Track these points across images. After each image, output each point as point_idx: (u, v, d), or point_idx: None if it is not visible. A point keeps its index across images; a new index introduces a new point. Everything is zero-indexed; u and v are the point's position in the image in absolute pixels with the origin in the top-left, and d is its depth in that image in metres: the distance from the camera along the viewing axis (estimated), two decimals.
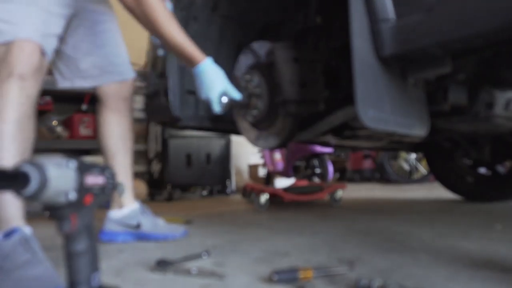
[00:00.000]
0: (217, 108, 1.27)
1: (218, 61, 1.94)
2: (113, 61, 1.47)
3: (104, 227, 1.51)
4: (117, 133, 1.52)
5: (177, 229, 1.56)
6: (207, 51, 1.91)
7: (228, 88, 1.29)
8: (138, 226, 1.49)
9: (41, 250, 1.00)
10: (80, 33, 1.38)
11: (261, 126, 1.46)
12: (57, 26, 1.24)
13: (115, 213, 1.51)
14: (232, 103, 1.30)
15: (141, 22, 1.20)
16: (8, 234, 1.00)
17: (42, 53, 1.16)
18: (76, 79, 1.45)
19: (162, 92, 1.79)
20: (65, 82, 1.45)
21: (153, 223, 1.53)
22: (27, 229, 1.05)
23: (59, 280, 0.93)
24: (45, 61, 1.19)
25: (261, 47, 1.42)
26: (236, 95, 1.30)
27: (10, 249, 0.97)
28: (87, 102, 3.37)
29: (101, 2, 1.44)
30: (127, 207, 1.52)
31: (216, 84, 1.26)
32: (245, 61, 1.48)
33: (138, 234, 1.50)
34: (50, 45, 1.21)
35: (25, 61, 1.11)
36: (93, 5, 1.40)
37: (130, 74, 1.54)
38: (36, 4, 1.16)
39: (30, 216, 2.50)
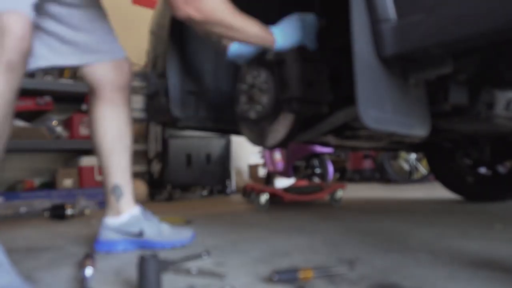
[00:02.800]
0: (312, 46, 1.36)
1: (218, 61, 1.96)
2: (100, 38, 1.31)
3: (100, 236, 1.34)
4: (112, 128, 1.36)
5: (184, 234, 1.40)
6: (207, 52, 1.92)
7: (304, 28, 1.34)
8: (140, 233, 1.33)
9: (6, 258, 0.91)
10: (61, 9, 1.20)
11: (263, 124, 1.46)
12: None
13: (112, 220, 1.34)
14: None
15: (216, 35, 1.25)
16: None
17: (31, 28, 0.96)
18: (53, 56, 1.23)
19: (162, 92, 1.79)
20: (39, 61, 1.19)
21: (158, 229, 1.36)
22: None
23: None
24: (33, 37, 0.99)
25: None
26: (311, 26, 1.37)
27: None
28: (87, 102, 3.37)
29: None
30: (127, 212, 1.35)
31: (302, 35, 1.33)
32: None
33: (141, 243, 1.34)
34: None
35: (16, 46, 0.92)
36: None
37: (120, 53, 1.37)
38: None
39: (30, 216, 2.49)
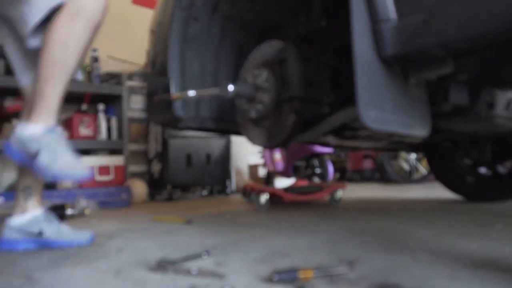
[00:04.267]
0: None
1: (218, 61, 1.96)
2: None
3: (3, 234, 1.43)
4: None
5: (82, 235, 1.48)
6: (207, 52, 1.92)
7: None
8: (40, 233, 1.42)
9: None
10: None
11: (263, 124, 1.46)
12: None
13: (15, 220, 1.44)
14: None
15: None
16: (53, 129, 1.29)
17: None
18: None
19: (162, 92, 1.79)
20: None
21: (57, 230, 1.45)
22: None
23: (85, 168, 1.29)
24: None
25: (271, 46, 1.43)
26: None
27: (58, 137, 1.28)
28: (87, 102, 3.37)
29: None
30: (30, 213, 1.45)
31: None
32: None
33: (41, 242, 1.43)
34: None
35: (100, 12, 1.31)
36: None
37: None
38: None
39: None
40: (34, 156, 1.26)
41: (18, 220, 1.44)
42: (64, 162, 1.34)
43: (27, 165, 1.34)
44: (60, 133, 1.31)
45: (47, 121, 1.28)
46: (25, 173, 1.46)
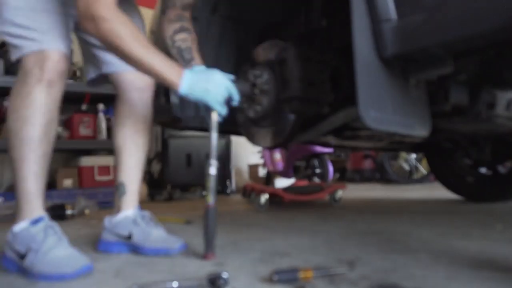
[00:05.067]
0: (223, 112, 1.23)
1: (218, 61, 1.95)
2: None
3: (101, 235, 1.37)
4: (126, 127, 1.38)
5: (173, 243, 1.31)
6: (207, 52, 1.92)
7: (226, 91, 1.20)
8: (129, 236, 1.32)
9: (64, 236, 1.15)
10: None
11: (263, 123, 1.46)
12: (71, 26, 1.25)
13: (109, 220, 1.37)
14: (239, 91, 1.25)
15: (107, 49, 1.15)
16: (35, 221, 1.13)
17: (67, 58, 1.20)
18: (103, 65, 1.38)
19: (162, 92, 1.79)
20: (93, 73, 1.41)
21: (144, 234, 1.32)
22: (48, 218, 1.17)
23: (86, 260, 1.08)
24: (69, 62, 1.23)
25: (272, 46, 1.43)
26: (235, 94, 1.23)
27: (39, 233, 1.10)
28: (87, 102, 3.37)
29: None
30: (122, 212, 1.36)
31: (211, 97, 1.18)
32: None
33: (130, 246, 1.33)
34: (69, 46, 1.23)
35: (54, 68, 1.15)
36: None
37: None
38: (58, 12, 1.18)
39: None
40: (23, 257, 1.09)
41: (112, 219, 1.36)
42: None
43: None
44: (49, 223, 1.15)
45: (30, 214, 1.13)
46: (119, 170, 1.40)
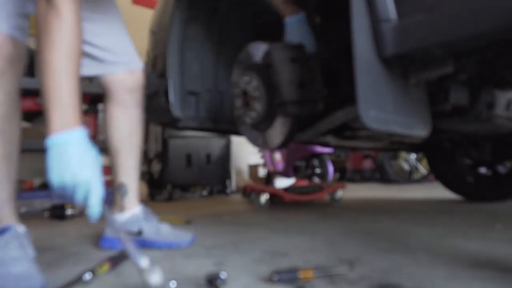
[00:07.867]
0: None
1: (218, 61, 1.95)
2: (120, 49, 1.36)
3: (105, 232, 1.39)
4: (121, 128, 1.38)
5: (182, 237, 1.39)
6: (207, 52, 1.92)
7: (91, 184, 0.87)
8: (139, 232, 1.35)
9: (32, 249, 1.05)
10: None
11: (260, 127, 1.46)
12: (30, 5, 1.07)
13: (115, 218, 1.35)
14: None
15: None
16: (2, 231, 1.03)
17: (14, 41, 1.04)
18: (90, 66, 1.31)
19: (162, 92, 1.79)
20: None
21: (156, 229, 1.38)
22: (20, 228, 1.07)
23: (38, 281, 0.95)
24: (21, 48, 1.06)
25: (257, 48, 1.41)
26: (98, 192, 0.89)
27: (2, 245, 0.99)
28: (87, 102, 3.37)
29: None
30: (129, 211, 1.39)
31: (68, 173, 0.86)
32: (241, 63, 1.47)
33: (140, 241, 1.34)
34: (23, 27, 1.07)
35: None
36: None
37: (138, 64, 1.41)
38: None
39: (30, 216, 2.49)
40: None
41: (118, 218, 1.37)
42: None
43: None
44: (16, 233, 1.03)
45: None
46: (118, 171, 1.40)
